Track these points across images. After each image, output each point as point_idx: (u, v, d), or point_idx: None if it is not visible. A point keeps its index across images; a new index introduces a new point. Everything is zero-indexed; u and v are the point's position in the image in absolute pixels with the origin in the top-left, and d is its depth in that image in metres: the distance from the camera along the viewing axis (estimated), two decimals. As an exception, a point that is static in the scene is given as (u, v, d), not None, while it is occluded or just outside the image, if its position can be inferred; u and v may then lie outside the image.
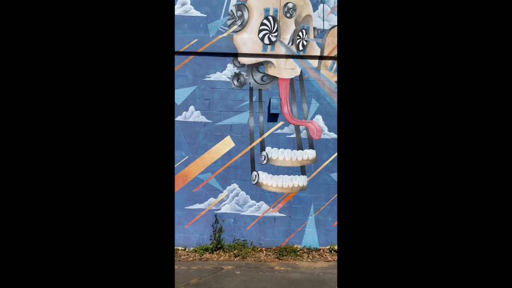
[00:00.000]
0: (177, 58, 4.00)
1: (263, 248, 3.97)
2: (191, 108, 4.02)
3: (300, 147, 4.04)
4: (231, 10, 3.99)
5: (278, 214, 4.02)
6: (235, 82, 4.03)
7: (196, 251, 3.89)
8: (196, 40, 3.98)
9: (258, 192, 4.02)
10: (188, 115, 4.02)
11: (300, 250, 3.94)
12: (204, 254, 3.81)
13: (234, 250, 3.87)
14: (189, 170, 4.02)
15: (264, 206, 4.01)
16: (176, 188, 4.00)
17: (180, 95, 4.01)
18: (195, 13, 4.00)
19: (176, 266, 3.37)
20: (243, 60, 4.02)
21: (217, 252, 3.87)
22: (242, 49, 3.99)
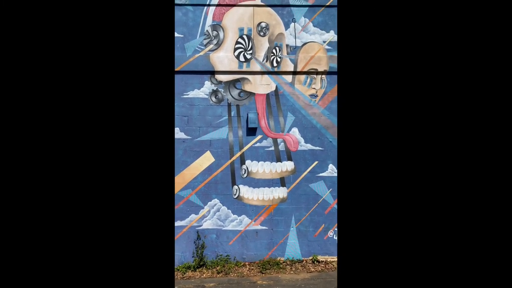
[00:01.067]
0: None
1: (246, 263, 3.95)
2: (171, 125, 4.06)
3: (278, 159, 4.12)
4: (207, 30, 4.14)
5: (260, 227, 4.03)
6: (213, 99, 4.12)
7: (178, 269, 3.82)
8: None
9: (239, 206, 4.03)
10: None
11: (283, 262, 3.94)
12: (187, 273, 3.75)
13: (217, 266, 3.83)
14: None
15: (246, 220, 4.02)
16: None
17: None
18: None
19: None
20: (220, 77, 4.14)
21: (199, 269, 3.81)
22: (219, 67, 4.12)
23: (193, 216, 4.00)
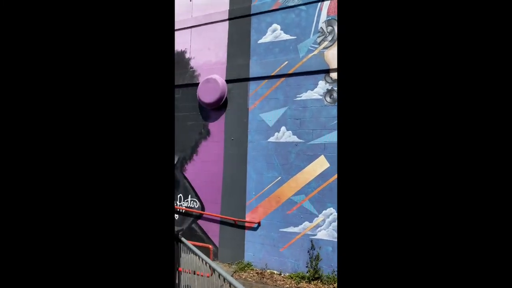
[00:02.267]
0: (269, 82, 4.15)
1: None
2: (283, 128, 4.02)
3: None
4: (321, 27, 3.90)
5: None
6: (328, 99, 3.82)
7: (291, 277, 3.69)
8: (286, 62, 4.05)
9: (359, 218, 3.54)
10: (280, 136, 4.03)
11: None
12: (301, 283, 3.56)
13: (334, 283, 3.46)
14: (282, 191, 3.96)
15: (367, 235, 3.48)
16: (270, 209, 3.99)
17: (272, 117, 4.09)
18: (285, 36, 4.12)
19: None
20: (336, 75, 3.80)
21: (314, 282, 3.55)
22: (334, 64, 3.79)
23: (306, 223, 3.79)
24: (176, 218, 4.70)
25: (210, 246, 3.88)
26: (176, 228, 3.36)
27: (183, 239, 3.13)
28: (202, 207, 4.48)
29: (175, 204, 4.71)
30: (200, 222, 4.50)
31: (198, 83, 4.53)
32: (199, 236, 4.43)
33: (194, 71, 4.73)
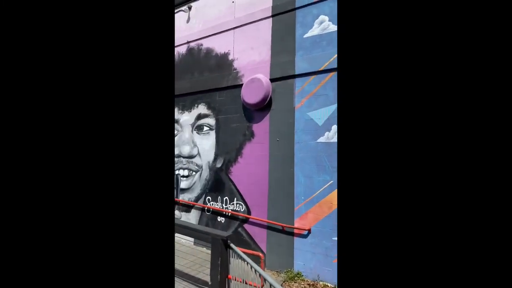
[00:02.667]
0: (317, 77, 3.87)
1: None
2: (334, 127, 3.70)
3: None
4: (375, 14, 3.52)
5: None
6: (385, 93, 3.41)
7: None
8: (336, 55, 3.73)
9: None
10: (331, 136, 3.71)
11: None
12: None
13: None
14: (334, 196, 3.63)
15: None
16: (321, 216, 3.68)
17: (321, 115, 3.79)
18: (333, 28, 3.81)
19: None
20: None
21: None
22: (392, 53, 3.37)
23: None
24: (222, 222, 4.65)
25: (261, 255, 3.72)
26: (224, 233, 3.26)
27: (232, 245, 3.01)
28: (248, 211, 4.35)
29: (220, 207, 4.67)
30: (246, 226, 4.37)
31: (242, 84, 4.43)
32: (246, 241, 4.30)
33: (237, 72, 4.66)
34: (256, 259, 3.49)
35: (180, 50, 5.65)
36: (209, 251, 3.38)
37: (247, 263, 2.75)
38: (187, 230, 3.71)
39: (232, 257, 2.99)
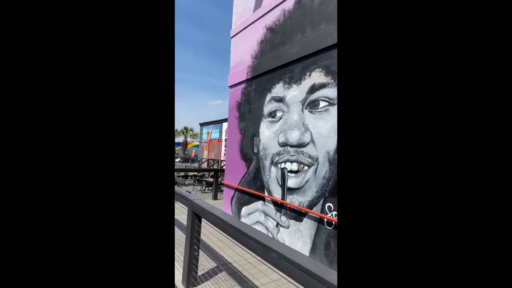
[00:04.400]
0: None
1: None
2: None
3: None
4: None
5: None
6: None
7: None
8: None
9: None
10: None
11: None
12: None
13: None
14: None
15: None
16: None
17: None
18: None
19: None
20: None
21: None
22: None
23: None
24: (329, 229, 3.05)
25: None
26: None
27: None
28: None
29: (326, 214, 3.08)
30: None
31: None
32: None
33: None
34: None
35: (285, 7, 4.33)
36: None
37: None
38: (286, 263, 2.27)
39: None
